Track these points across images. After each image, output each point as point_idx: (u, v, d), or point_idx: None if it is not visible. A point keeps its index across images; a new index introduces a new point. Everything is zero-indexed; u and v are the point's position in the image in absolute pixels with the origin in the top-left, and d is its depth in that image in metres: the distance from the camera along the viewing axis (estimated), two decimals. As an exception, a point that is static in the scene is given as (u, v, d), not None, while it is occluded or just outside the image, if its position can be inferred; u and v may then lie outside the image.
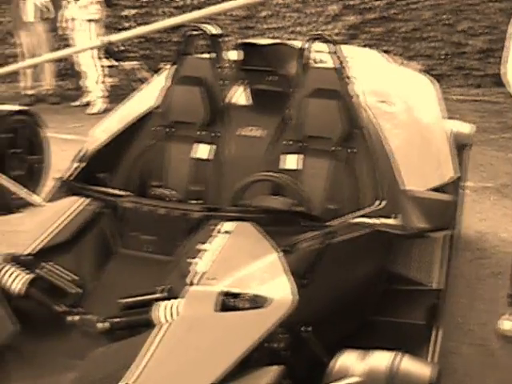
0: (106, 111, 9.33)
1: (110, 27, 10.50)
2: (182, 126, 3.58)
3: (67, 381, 2.21)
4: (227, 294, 2.32)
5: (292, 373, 2.20)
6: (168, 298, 2.37)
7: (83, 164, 3.40)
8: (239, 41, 3.85)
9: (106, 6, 9.92)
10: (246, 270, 2.50)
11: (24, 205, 3.44)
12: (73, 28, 9.75)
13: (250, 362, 2.17)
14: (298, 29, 10.99)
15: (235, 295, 2.32)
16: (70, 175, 3.34)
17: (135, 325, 2.36)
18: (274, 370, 2.13)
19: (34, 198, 3.30)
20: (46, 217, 2.94)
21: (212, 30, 3.65)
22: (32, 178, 5.52)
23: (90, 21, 9.56)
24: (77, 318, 2.44)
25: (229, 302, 2.30)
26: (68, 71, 11.06)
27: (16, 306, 2.48)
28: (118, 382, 2.07)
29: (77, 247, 2.82)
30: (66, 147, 6.34)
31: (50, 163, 6.15)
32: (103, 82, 9.77)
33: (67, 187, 3.23)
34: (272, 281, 2.43)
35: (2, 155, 5.73)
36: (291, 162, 3.40)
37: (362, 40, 10.62)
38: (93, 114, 9.52)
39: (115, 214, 2.99)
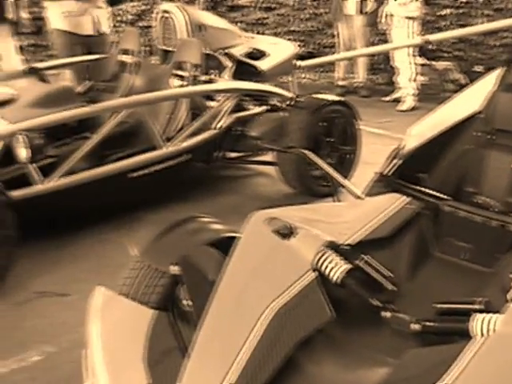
0: (414, 109, 9.33)
1: (427, 25, 10.47)
2: (503, 135, 3.45)
3: (377, 376, 2.22)
4: None
5: None
6: (486, 311, 2.30)
7: (400, 161, 3.40)
8: None
9: (425, 4, 9.90)
10: None
11: (332, 192, 3.53)
12: (391, 24, 9.85)
13: None
14: None
15: None
16: (389, 171, 3.36)
17: (449, 332, 2.30)
18: None
19: (354, 190, 3.36)
20: (367, 210, 2.98)
21: None
22: (341, 167, 5.67)
23: (408, 18, 9.60)
24: (389, 314, 2.45)
25: None
26: (380, 66, 11.20)
27: (331, 293, 2.53)
28: None
29: (394, 244, 2.83)
30: (375, 141, 6.41)
31: (359, 155, 6.27)
32: (415, 80, 9.76)
33: (386, 182, 3.26)
34: None
35: (317, 142, 5.95)
36: None
37: None
38: (402, 110, 9.55)
39: (434, 216, 2.97)
